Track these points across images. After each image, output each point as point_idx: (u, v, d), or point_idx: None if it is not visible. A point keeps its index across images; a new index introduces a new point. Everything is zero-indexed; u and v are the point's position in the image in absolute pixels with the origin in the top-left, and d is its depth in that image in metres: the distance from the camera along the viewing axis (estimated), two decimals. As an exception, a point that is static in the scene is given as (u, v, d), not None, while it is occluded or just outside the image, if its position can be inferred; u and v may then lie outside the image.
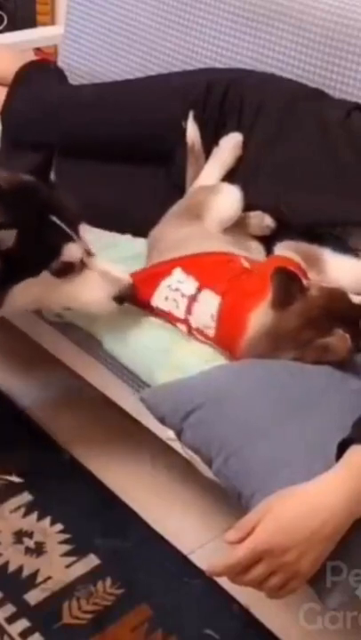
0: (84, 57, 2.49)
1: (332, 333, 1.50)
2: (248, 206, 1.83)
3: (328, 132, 1.87)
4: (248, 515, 1.25)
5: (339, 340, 1.50)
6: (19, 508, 1.89)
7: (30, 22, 3.16)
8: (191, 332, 1.66)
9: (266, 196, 1.85)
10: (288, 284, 1.54)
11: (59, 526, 1.85)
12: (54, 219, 1.59)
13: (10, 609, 1.68)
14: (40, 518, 1.87)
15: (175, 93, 2.01)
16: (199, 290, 1.65)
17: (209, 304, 1.63)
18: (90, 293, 1.64)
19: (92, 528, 1.85)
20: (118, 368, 1.77)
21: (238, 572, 1.22)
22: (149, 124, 2.01)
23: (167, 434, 1.55)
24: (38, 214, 1.58)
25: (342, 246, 1.78)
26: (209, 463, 1.41)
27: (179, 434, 1.47)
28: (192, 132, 1.94)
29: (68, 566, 1.77)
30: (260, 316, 1.56)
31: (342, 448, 1.25)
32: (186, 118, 1.94)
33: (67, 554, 1.80)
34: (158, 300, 1.69)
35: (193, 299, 1.65)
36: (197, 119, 1.94)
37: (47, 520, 1.86)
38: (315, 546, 1.20)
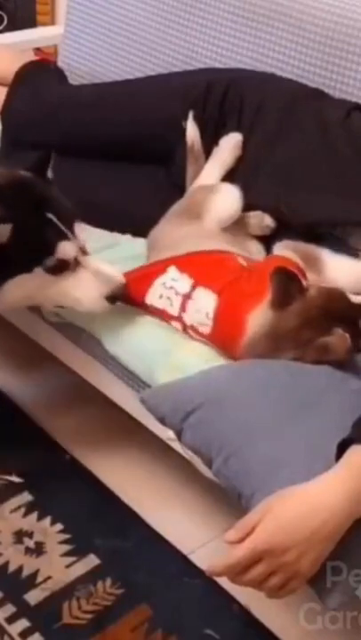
0: (84, 57, 2.49)
1: (331, 333, 1.50)
2: (248, 206, 1.83)
3: (328, 131, 1.87)
4: (248, 515, 1.25)
5: (338, 339, 1.50)
6: (19, 507, 1.89)
7: (30, 22, 3.16)
8: (186, 329, 1.66)
9: (266, 196, 1.85)
10: (287, 284, 1.54)
11: (59, 526, 1.85)
12: (50, 216, 1.59)
13: (10, 609, 1.68)
14: (40, 518, 1.87)
15: (175, 93, 2.01)
16: (194, 287, 1.65)
17: (204, 302, 1.63)
18: (82, 292, 1.64)
19: (92, 528, 1.85)
20: (118, 368, 1.77)
21: (238, 571, 1.22)
22: (149, 123, 2.01)
23: (167, 434, 1.55)
24: (34, 211, 1.59)
25: (342, 246, 1.78)
26: (209, 463, 1.42)
27: (179, 434, 1.47)
28: (192, 131, 1.94)
29: (68, 566, 1.77)
30: (259, 317, 1.56)
31: (342, 448, 1.25)
32: (186, 118, 1.94)
33: (67, 554, 1.80)
34: (152, 298, 1.70)
35: (187, 296, 1.65)
36: (197, 119, 1.94)
37: (47, 520, 1.86)
38: (315, 546, 1.20)
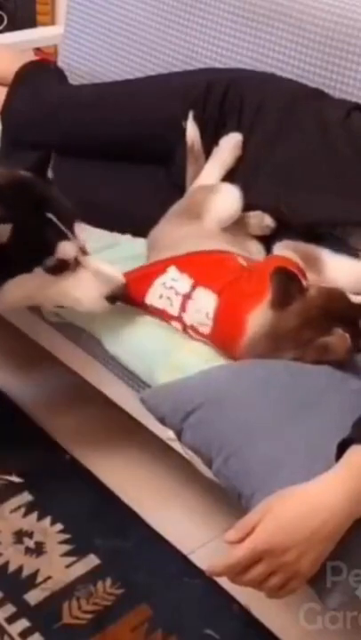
0: (84, 57, 2.49)
1: (331, 333, 1.50)
2: (248, 206, 1.83)
3: (328, 131, 1.87)
4: (248, 515, 1.25)
5: (338, 339, 1.50)
6: (19, 507, 1.89)
7: (30, 22, 3.16)
8: (186, 329, 1.67)
9: (266, 196, 1.85)
10: (287, 284, 1.54)
11: (59, 526, 1.85)
12: (50, 216, 1.59)
13: (10, 609, 1.68)
14: (40, 518, 1.87)
15: (175, 93, 2.01)
16: (194, 287, 1.65)
17: (204, 302, 1.63)
18: (82, 292, 1.64)
19: (92, 528, 1.85)
20: (118, 368, 1.77)
21: (238, 571, 1.22)
22: (149, 123, 2.01)
23: (167, 434, 1.55)
24: (34, 211, 1.59)
25: (342, 246, 1.78)
26: (209, 463, 1.42)
27: (179, 434, 1.47)
28: (192, 131, 1.94)
29: (68, 566, 1.77)
30: (259, 317, 1.56)
31: (342, 448, 1.25)
32: (186, 118, 1.94)
33: (67, 554, 1.80)
34: (152, 298, 1.70)
35: (187, 296, 1.65)
36: (197, 119, 1.94)
37: (47, 520, 1.86)
38: (315, 546, 1.20)
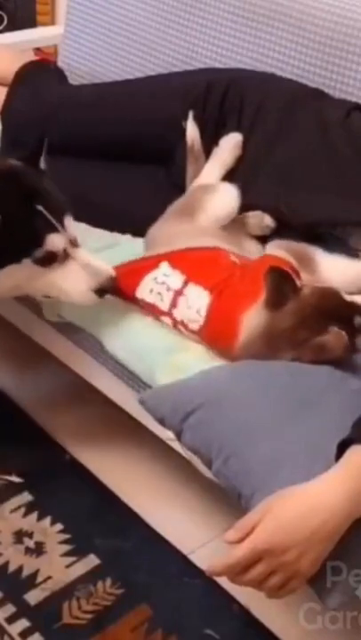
0: (84, 57, 2.49)
1: (327, 332, 1.50)
2: (248, 206, 1.83)
3: (328, 131, 1.87)
4: (248, 514, 1.25)
5: (334, 337, 1.50)
6: (19, 507, 1.89)
7: (30, 22, 3.16)
8: (176, 325, 1.67)
9: (266, 196, 1.85)
10: (281, 283, 1.54)
11: (59, 526, 1.85)
12: (40, 207, 1.58)
13: (10, 609, 1.68)
14: (40, 518, 1.87)
15: (175, 93, 2.01)
16: (185, 284, 1.66)
17: (195, 298, 1.64)
18: (70, 284, 1.64)
19: (92, 528, 1.85)
20: (118, 368, 1.77)
21: (238, 571, 1.22)
22: (149, 123, 2.01)
23: (167, 434, 1.55)
24: (24, 202, 1.58)
25: (342, 246, 1.78)
26: (209, 464, 1.41)
27: (178, 435, 1.47)
28: (192, 131, 1.94)
29: (68, 566, 1.77)
30: (253, 317, 1.56)
31: (342, 448, 1.25)
32: (186, 118, 1.94)
33: (67, 554, 1.80)
34: (143, 293, 1.70)
35: (179, 292, 1.66)
36: (197, 119, 1.94)
37: (47, 520, 1.86)
38: (315, 546, 1.20)
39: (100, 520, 1.88)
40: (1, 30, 3.21)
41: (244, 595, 1.67)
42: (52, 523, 1.86)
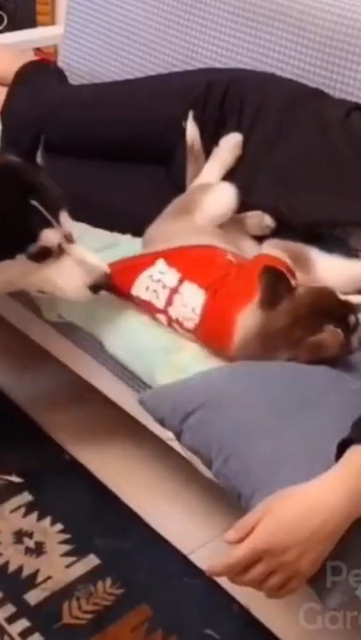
0: (84, 57, 2.49)
1: (322, 330, 1.50)
2: (248, 206, 1.83)
3: (328, 131, 1.87)
4: (248, 514, 1.25)
5: (330, 335, 1.50)
6: (19, 507, 1.89)
7: (30, 22, 3.16)
8: (171, 323, 1.67)
9: (266, 196, 1.85)
10: (276, 283, 1.54)
11: (59, 526, 1.85)
12: (35, 203, 1.58)
13: (10, 609, 1.68)
14: (40, 518, 1.87)
15: (175, 93, 2.01)
16: (181, 282, 1.66)
17: (191, 297, 1.64)
18: (65, 280, 1.63)
19: (92, 528, 1.85)
20: (118, 368, 1.77)
21: (238, 571, 1.22)
22: (149, 123, 2.01)
23: (167, 434, 1.55)
24: (18, 197, 1.58)
25: (342, 246, 1.78)
26: (209, 464, 1.41)
27: (178, 435, 1.47)
28: (192, 131, 1.94)
29: (68, 566, 1.77)
30: (248, 317, 1.56)
31: (342, 448, 1.25)
32: (186, 118, 1.94)
33: (67, 554, 1.80)
34: (138, 290, 1.70)
35: (174, 290, 1.66)
36: (197, 119, 1.94)
37: (47, 520, 1.86)
38: (315, 545, 1.20)
39: (100, 520, 1.88)
40: (1, 30, 3.21)
41: (244, 595, 1.67)
42: (52, 523, 1.86)
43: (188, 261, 1.69)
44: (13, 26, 3.17)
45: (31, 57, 2.57)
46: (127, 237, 1.97)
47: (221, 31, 2.18)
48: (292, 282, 1.57)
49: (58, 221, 1.61)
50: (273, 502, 1.23)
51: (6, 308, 2.05)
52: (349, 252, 1.76)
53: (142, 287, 1.69)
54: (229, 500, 1.41)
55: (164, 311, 1.67)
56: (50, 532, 1.84)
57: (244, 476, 1.35)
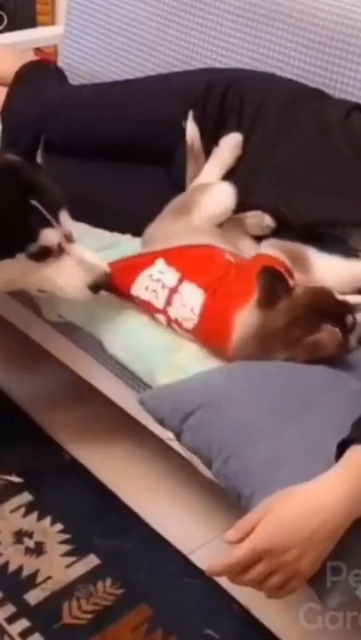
0: (84, 57, 2.49)
1: (319, 330, 1.50)
2: (248, 206, 1.83)
3: (328, 131, 1.87)
4: (248, 514, 1.25)
5: (328, 334, 1.50)
6: (19, 507, 1.89)
7: (30, 22, 3.16)
8: (170, 323, 1.67)
9: (266, 196, 1.85)
10: (274, 283, 1.54)
11: (59, 526, 1.85)
12: (35, 202, 1.58)
13: (10, 609, 1.68)
14: (40, 518, 1.87)
15: (175, 93, 2.01)
16: (180, 281, 1.66)
17: (190, 297, 1.64)
18: (65, 279, 1.63)
19: (92, 528, 1.85)
20: (118, 368, 1.77)
21: (238, 571, 1.22)
22: (149, 123, 2.01)
23: (167, 434, 1.55)
24: (18, 197, 1.58)
25: (342, 246, 1.78)
26: (209, 464, 1.41)
27: (178, 436, 1.47)
28: (192, 131, 1.94)
29: (68, 566, 1.77)
30: (246, 317, 1.56)
31: (342, 448, 1.25)
32: (186, 118, 1.94)
33: (67, 554, 1.80)
34: (138, 290, 1.70)
35: (174, 290, 1.66)
36: (197, 119, 1.94)
37: (47, 520, 1.86)
38: (315, 545, 1.20)
39: (100, 520, 1.88)
40: (1, 30, 3.21)
41: (244, 595, 1.67)
42: (52, 523, 1.86)
43: (188, 261, 1.69)
44: (13, 26, 3.17)
45: (31, 57, 2.57)
46: (127, 237, 1.97)
47: (221, 31, 2.18)
48: (290, 282, 1.57)
49: (58, 221, 1.61)
50: (273, 502, 1.23)
51: (6, 308, 2.05)
52: (349, 252, 1.76)
53: (142, 287, 1.69)
54: (229, 500, 1.41)
55: (164, 311, 1.67)
56: (50, 532, 1.84)
57: (244, 475, 1.35)
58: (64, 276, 1.63)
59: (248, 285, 1.57)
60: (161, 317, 1.68)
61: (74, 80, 2.44)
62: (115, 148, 2.05)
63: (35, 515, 1.87)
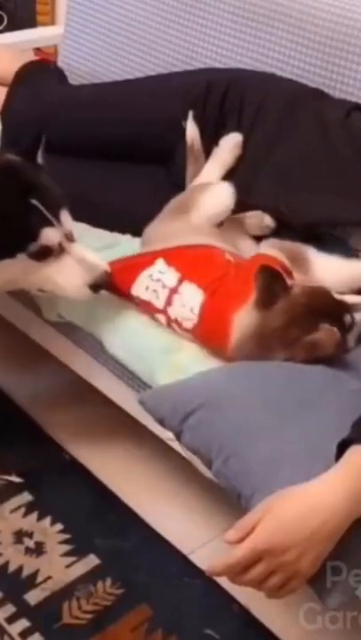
0: (84, 57, 2.49)
1: (318, 329, 1.50)
2: (248, 206, 1.83)
3: (328, 131, 1.87)
4: (248, 514, 1.25)
5: (326, 334, 1.50)
6: (19, 507, 1.89)
7: (30, 22, 3.16)
8: (170, 323, 1.67)
9: (266, 196, 1.85)
10: (272, 282, 1.54)
11: (59, 526, 1.85)
12: (35, 202, 1.58)
13: (10, 609, 1.68)
14: (40, 518, 1.87)
15: (175, 93, 2.01)
16: (180, 282, 1.66)
17: (190, 297, 1.64)
18: (65, 279, 1.63)
19: (92, 528, 1.85)
20: (118, 368, 1.77)
21: (238, 571, 1.22)
22: (149, 123, 2.01)
23: (167, 434, 1.55)
24: (19, 197, 1.58)
25: (342, 246, 1.78)
26: (209, 464, 1.41)
27: (178, 436, 1.47)
28: (192, 131, 1.94)
29: (68, 566, 1.77)
30: (244, 317, 1.56)
31: (342, 448, 1.25)
32: (186, 118, 1.94)
33: (67, 554, 1.80)
34: (138, 290, 1.70)
35: (174, 290, 1.66)
36: (197, 119, 1.94)
37: (47, 520, 1.86)
38: (315, 545, 1.20)
39: (100, 520, 1.88)
40: (1, 30, 3.21)
41: (244, 595, 1.67)
42: (52, 523, 1.86)
43: (188, 261, 1.69)
44: (13, 26, 3.17)
45: (31, 57, 2.57)
46: (127, 237, 1.97)
47: (221, 31, 2.18)
48: (289, 281, 1.57)
49: (58, 220, 1.61)
50: (273, 502, 1.23)
51: (6, 308, 2.05)
52: (349, 252, 1.76)
53: (142, 287, 1.70)
54: (229, 499, 1.41)
55: (164, 311, 1.67)
56: (50, 532, 1.84)
57: (244, 475, 1.35)
58: (64, 275, 1.63)
59: (247, 285, 1.57)
60: (161, 317, 1.68)
61: (74, 80, 2.44)
62: (115, 148, 2.05)
63: (35, 515, 1.87)
